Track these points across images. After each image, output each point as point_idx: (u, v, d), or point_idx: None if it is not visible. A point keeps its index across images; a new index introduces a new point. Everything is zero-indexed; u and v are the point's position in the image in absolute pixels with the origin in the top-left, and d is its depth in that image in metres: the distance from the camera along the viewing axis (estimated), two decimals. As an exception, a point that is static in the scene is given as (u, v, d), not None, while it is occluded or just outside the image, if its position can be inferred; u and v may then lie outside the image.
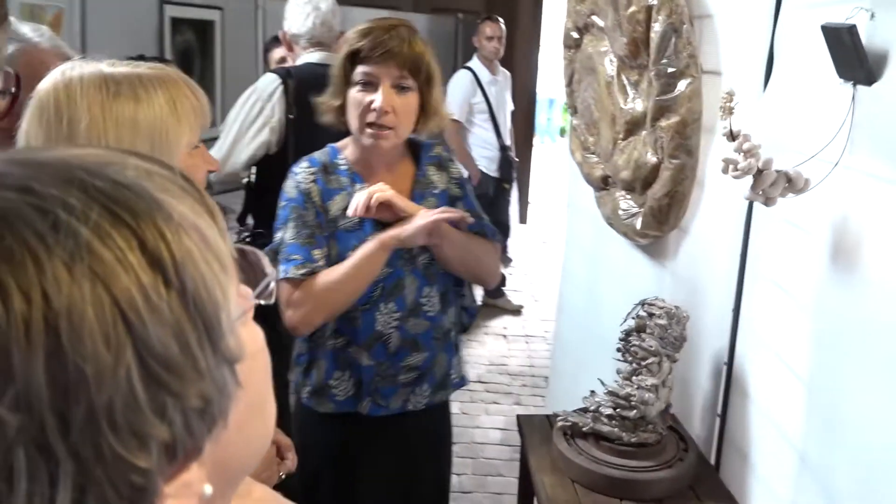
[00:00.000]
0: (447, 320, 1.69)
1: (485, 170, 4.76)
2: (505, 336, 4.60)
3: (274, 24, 5.00)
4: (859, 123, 0.98)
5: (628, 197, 1.73)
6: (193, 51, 4.70)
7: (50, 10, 3.22)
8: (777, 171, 0.99)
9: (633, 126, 1.65)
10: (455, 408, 1.86)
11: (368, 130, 1.54)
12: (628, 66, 1.64)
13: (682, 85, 1.45)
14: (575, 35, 1.95)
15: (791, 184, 0.99)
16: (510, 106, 5.10)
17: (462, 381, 1.77)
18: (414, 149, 1.70)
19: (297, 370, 1.68)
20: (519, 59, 6.16)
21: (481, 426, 3.55)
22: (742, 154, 0.96)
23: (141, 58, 2.89)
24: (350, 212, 1.54)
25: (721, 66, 1.45)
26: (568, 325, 2.42)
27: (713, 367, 1.45)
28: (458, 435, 1.83)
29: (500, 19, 4.90)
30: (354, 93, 1.54)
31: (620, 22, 1.58)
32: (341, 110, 1.59)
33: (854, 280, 0.98)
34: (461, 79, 4.78)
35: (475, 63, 4.83)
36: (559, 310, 2.45)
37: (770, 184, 0.99)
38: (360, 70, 1.53)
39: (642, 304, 1.38)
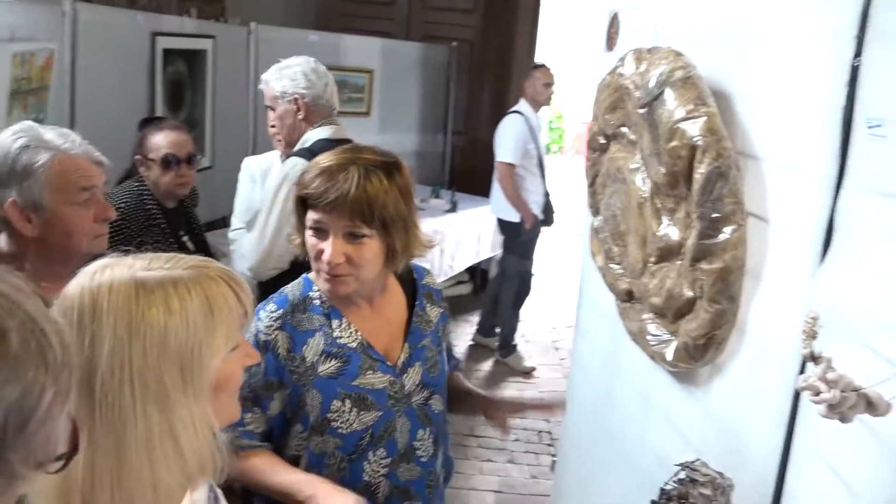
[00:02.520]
0: (438, 464, 1.57)
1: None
2: (495, 385, 4.55)
3: (267, 49, 4.89)
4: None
5: (658, 321, 1.67)
6: (184, 81, 4.59)
7: (41, 55, 3.10)
8: (857, 394, 0.93)
9: (667, 253, 1.59)
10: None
11: (324, 276, 1.42)
12: (664, 193, 1.58)
13: (726, 231, 1.39)
14: (602, 140, 1.89)
15: (871, 407, 0.93)
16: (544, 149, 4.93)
17: None
18: (403, 272, 1.56)
19: None
20: (514, 88, 6.10)
21: (476, 488, 3.48)
22: (825, 383, 0.90)
23: (149, 120, 2.74)
24: None
25: (768, 213, 1.39)
26: (577, 421, 2.36)
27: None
28: (450, 499, 1.73)
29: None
30: (308, 237, 1.43)
31: (659, 152, 1.52)
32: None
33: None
34: (515, 122, 4.56)
35: (524, 107, 4.62)
36: (570, 400, 2.39)
37: (849, 407, 0.93)
38: (310, 216, 1.41)
39: (685, 466, 1.32)
